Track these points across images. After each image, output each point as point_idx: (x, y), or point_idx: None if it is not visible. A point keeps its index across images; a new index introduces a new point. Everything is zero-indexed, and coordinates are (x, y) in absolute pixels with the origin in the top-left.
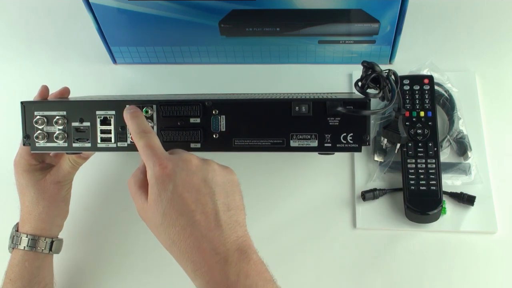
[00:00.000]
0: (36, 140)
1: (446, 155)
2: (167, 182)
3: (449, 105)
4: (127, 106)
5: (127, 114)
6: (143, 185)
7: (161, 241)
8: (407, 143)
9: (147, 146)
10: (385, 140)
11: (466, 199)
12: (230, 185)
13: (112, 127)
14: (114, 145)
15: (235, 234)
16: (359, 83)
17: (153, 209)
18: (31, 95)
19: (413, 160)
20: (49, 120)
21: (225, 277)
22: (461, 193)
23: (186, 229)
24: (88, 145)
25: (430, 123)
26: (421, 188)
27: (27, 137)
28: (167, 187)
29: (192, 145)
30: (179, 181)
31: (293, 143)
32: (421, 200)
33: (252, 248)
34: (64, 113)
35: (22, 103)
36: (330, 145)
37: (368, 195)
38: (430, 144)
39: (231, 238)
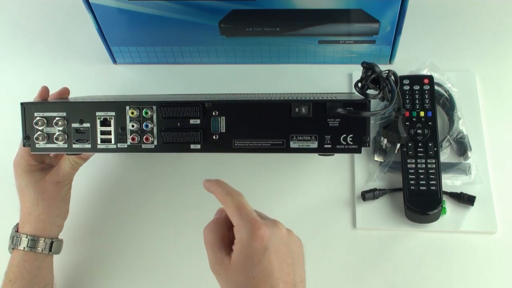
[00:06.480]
0: (36, 141)
1: (446, 155)
2: (262, 248)
3: (449, 105)
4: (205, 179)
5: (211, 181)
6: (225, 238)
7: None
8: (407, 143)
9: (239, 206)
10: (385, 140)
11: (466, 199)
12: (303, 259)
13: (112, 128)
14: (114, 146)
15: None
16: (359, 84)
17: (239, 269)
18: (31, 96)
19: (413, 160)
20: (49, 121)
21: None
22: (461, 193)
23: None
24: (88, 146)
25: (430, 123)
26: (421, 188)
27: (27, 138)
28: (261, 252)
29: (192, 146)
30: (272, 249)
31: (293, 144)
32: (421, 200)
33: None
34: (64, 114)
35: (22, 104)
36: (330, 146)
37: (368, 195)
38: (430, 144)
39: None
